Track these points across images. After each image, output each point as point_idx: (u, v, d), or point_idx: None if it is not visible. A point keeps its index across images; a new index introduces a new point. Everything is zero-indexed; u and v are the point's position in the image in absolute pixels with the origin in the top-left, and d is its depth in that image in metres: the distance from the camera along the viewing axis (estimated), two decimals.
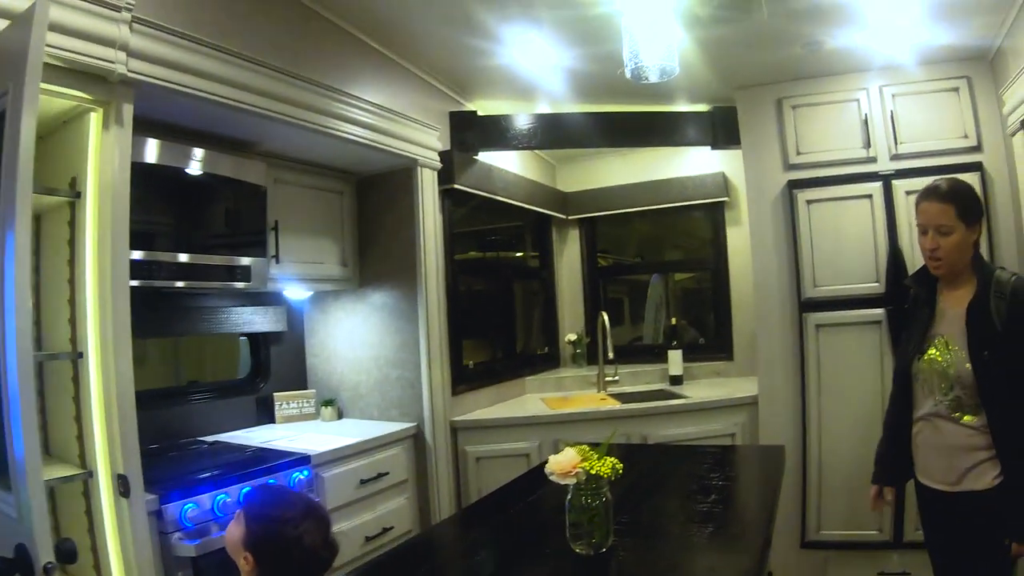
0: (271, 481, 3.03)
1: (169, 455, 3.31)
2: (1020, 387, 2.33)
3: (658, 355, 5.59)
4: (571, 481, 1.99)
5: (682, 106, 5.09)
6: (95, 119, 2.47)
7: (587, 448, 2.03)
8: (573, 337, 6.04)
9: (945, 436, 2.53)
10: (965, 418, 2.46)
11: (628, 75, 3.02)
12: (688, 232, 6.24)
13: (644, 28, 2.95)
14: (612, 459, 2.00)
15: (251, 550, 1.84)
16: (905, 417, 2.72)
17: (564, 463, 1.99)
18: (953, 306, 2.56)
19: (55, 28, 2.21)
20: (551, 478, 2.00)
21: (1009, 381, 2.35)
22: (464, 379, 4.61)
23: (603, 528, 2.03)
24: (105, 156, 2.47)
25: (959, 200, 2.50)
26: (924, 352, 2.59)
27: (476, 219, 5.25)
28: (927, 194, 2.57)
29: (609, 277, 6.48)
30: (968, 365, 2.43)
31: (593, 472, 1.97)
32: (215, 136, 3.38)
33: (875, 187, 4.20)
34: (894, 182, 4.16)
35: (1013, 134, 3.85)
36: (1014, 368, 2.34)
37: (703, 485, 2.77)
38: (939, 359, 2.53)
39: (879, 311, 4.16)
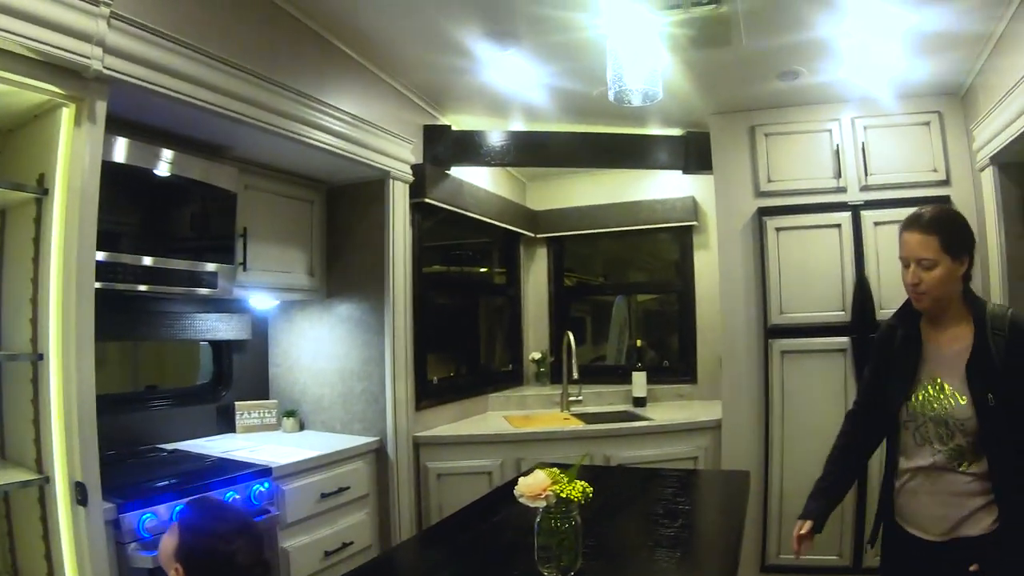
0: (231, 495, 2.97)
1: (126, 463, 3.21)
2: (1022, 423, 2.16)
3: (621, 376, 5.60)
4: (541, 504, 1.97)
5: (655, 129, 5.14)
6: (67, 115, 2.41)
7: (557, 471, 2.01)
8: (537, 355, 6.02)
9: (943, 485, 2.27)
10: (963, 466, 2.23)
11: (611, 98, 3.03)
12: (655, 254, 6.28)
13: (629, 52, 2.95)
14: (582, 483, 1.99)
15: (182, 562, 1.81)
16: (861, 454, 2.64)
17: (534, 486, 1.97)
18: (946, 346, 2.31)
19: (31, 19, 2.18)
20: (521, 500, 1.98)
21: (1009, 419, 2.15)
22: (428, 394, 4.57)
23: (572, 552, 2.01)
24: (76, 154, 2.41)
25: (943, 230, 2.24)
26: (913, 395, 2.32)
27: (445, 233, 5.22)
28: (909, 223, 2.32)
29: (574, 296, 6.48)
30: (972, 411, 2.18)
31: (563, 495, 1.95)
32: (186, 139, 3.32)
33: (844, 217, 4.27)
34: (863, 213, 4.24)
35: (982, 170, 3.95)
36: (1016, 405, 2.15)
37: (670, 509, 2.77)
38: (934, 405, 2.26)
39: (844, 339, 4.23)
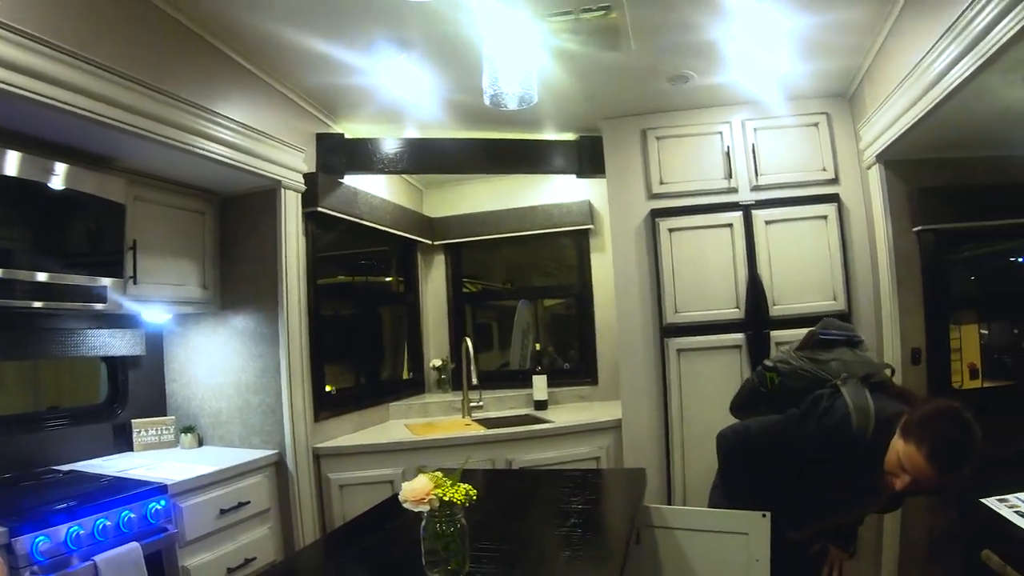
0: (127, 514, 2.88)
1: (20, 485, 3.10)
2: None
3: (524, 380, 5.65)
4: (424, 508, 1.96)
5: (550, 134, 5.22)
6: None
7: (440, 475, 2.02)
8: (438, 363, 6.03)
9: None
10: None
11: (487, 102, 3.06)
12: (554, 258, 6.35)
13: (505, 55, 3.00)
14: (466, 485, 1.98)
15: None
16: None
17: (417, 490, 1.96)
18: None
19: None
20: (405, 505, 1.97)
21: None
22: (327, 405, 4.54)
23: (459, 555, 2.01)
24: None
25: (956, 478, 2.14)
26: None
27: (342, 243, 5.18)
28: (941, 466, 2.12)
29: (477, 303, 6.51)
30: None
31: (446, 499, 1.96)
32: (73, 150, 3.23)
33: (735, 217, 4.44)
34: (754, 212, 4.41)
35: (869, 167, 4.18)
36: None
37: (563, 509, 2.79)
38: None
39: (739, 336, 4.38)
